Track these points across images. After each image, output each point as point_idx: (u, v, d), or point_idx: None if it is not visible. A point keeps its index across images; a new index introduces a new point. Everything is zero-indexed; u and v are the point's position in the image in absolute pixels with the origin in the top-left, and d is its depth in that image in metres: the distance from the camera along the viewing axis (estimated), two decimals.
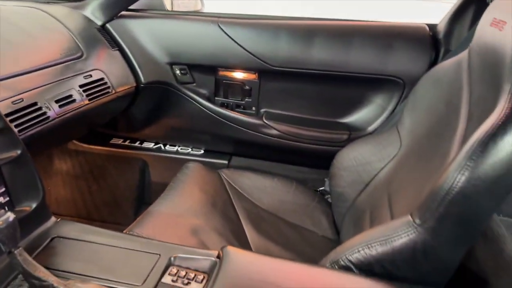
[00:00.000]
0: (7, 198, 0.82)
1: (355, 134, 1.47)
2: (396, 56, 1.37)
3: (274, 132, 1.51)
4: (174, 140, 1.65)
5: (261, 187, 1.47)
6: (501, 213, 1.08)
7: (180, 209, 1.19)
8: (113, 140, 1.65)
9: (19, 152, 0.81)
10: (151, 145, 1.64)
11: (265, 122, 1.52)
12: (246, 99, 1.56)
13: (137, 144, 1.64)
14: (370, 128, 1.47)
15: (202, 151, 1.64)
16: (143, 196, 1.65)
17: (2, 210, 0.68)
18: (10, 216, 0.68)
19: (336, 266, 0.82)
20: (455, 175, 0.67)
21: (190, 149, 1.65)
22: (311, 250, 1.25)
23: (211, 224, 1.18)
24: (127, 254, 0.83)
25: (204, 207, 1.24)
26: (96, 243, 0.85)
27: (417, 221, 0.74)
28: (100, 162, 1.62)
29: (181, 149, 1.65)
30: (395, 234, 0.76)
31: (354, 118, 1.52)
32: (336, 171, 1.34)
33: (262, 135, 1.52)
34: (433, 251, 0.74)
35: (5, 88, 0.94)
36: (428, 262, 0.75)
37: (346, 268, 0.80)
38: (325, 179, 1.51)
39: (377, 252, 0.77)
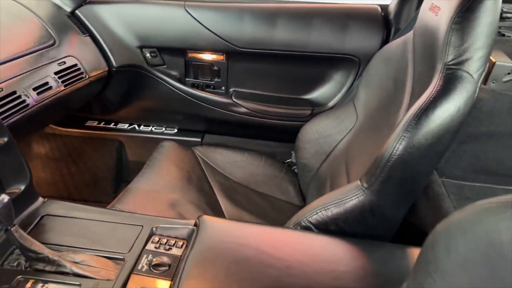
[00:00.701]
0: None
1: (317, 109, 1.57)
2: (351, 36, 1.46)
3: (243, 110, 1.59)
4: (148, 120, 1.71)
5: (233, 162, 1.56)
6: (444, 176, 1.22)
7: (158, 185, 1.27)
8: (88, 122, 1.69)
9: (6, 139, 0.87)
10: (125, 126, 1.70)
11: (234, 101, 1.60)
12: (216, 79, 1.63)
13: (112, 125, 1.69)
14: (331, 103, 1.58)
15: (175, 130, 1.71)
16: (121, 175, 1.71)
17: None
18: (5, 197, 0.74)
19: (298, 227, 0.93)
20: (394, 144, 0.78)
21: (164, 129, 1.71)
22: (279, 216, 1.36)
23: (188, 198, 1.27)
24: (112, 227, 0.91)
25: (180, 182, 1.33)
26: (82, 218, 0.93)
27: (365, 185, 0.85)
28: (77, 144, 1.67)
29: (155, 129, 1.71)
30: (347, 197, 0.87)
31: (316, 94, 1.61)
32: (300, 144, 1.44)
33: (232, 113, 1.60)
34: (378, 210, 0.86)
35: None
36: (375, 219, 0.87)
37: (306, 228, 0.92)
38: (291, 152, 1.61)
39: (332, 213, 0.88)
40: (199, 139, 1.69)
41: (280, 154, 1.66)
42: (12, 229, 0.76)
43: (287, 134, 1.55)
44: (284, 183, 1.54)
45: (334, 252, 0.83)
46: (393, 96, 1.09)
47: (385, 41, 1.45)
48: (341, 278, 0.76)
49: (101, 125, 1.68)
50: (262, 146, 1.67)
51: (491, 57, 1.12)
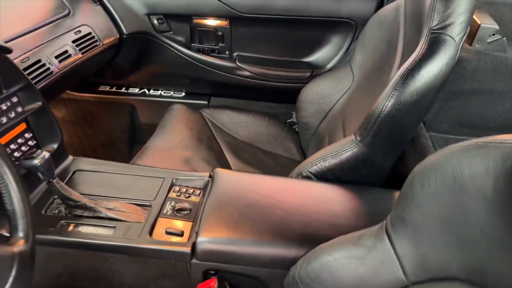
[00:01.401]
0: (35, 142, 0.99)
1: (316, 71, 1.66)
2: (348, 1, 1.52)
3: (247, 73, 1.67)
4: (157, 84, 1.79)
5: (238, 122, 1.66)
6: (431, 130, 1.32)
7: (172, 144, 1.38)
8: (101, 87, 1.77)
9: (40, 103, 0.97)
10: (136, 90, 1.78)
11: (238, 65, 1.67)
12: (220, 44, 1.70)
13: (123, 90, 1.77)
14: (329, 66, 1.66)
15: (183, 94, 1.80)
16: (135, 136, 1.82)
17: (39, 150, 0.85)
18: (46, 153, 0.85)
19: (300, 177, 1.04)
20: (384, 101, 0.88)
21: (172, 92, 1.80)
22: (282, 171, 1.48)
23: (199, 155, 1.38)
24: (137, 179, 1.03)
25: (191, 141, 1.43)
26: (110, 172, 1.04)
27: (358, 138, 0.96)
28: (92, 108, 1.76)
29: (164, 92, 1.80)
30: (342, 149, 0.98)
31: (315, 57, 1.69)
32: (301, 104, 1.54)
33: (236, 77, 1.68)
34: (370, 160, 0.97)
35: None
36: (367, 168, 0.98)
37: (307, 177, 1.03)
38: (292, 112, 1.71)
39: (329, 164, 0.99)
40: (206, 102, 1.78)
41: (282, 114, 1.75)
42: (53, 180, 0.88)
43: (288, 96, 1.64)
44: (286, 141, 1.65)
45: (331, 196, 0.95)
46: (386, 58, 1.18)
47: (380, 5, 1.51)
48: (337, 216, 0.88)
49: (113, 89, 1.76)
50: (265, 107, 1.76)
51: (476, 19, 1.20)
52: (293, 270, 0.77)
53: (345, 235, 0.74)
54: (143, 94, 1.78)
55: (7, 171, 0.61)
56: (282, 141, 1.64)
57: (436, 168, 0.60)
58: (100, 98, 1.74)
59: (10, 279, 0.57)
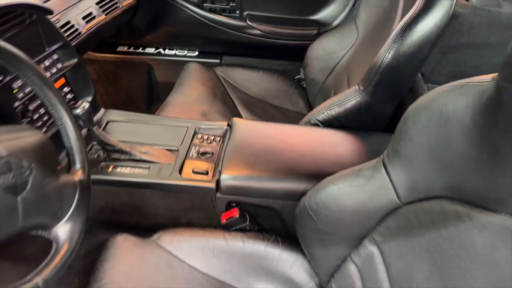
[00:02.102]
0: (72, 95, 1.10)
1: (323, 28, 1.72)
2: None
3: (256, 31, 1.74)
4: (171, 44, 1.87)
5: (250, 79, 1.74)
6: (429, 82, 1.41)
7: (189, 99, 1.48)
8: (119, 48, 1.85)
9: (76, 60, 1.06)
10: (152, 50, 1.86)
11: (248, 24, 1.74)
12: (231, 4, 1.75)
13: (140, 50, 1.86)
14: (335, 23, 1.72)
15: (196, 53, 1.87)
16: (152, 94, 1.92)
17: (80, 101, 0.96)
18: (86, 104, 0.96)
19: (308, 124, 1.15)
20: (385, 53, 0.97)
21: (186, 52, 1.87)
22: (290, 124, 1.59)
23: (215, 109, 1.48)
24: (164, 128, 1.14)
25: (207, 97, 1.53)
26: (139, 123, 1.15)
27: (361, 88, 1.05)
28: (112, 68, 1.85)
29: (178, 52, 1.87)
30: (347, 99, 1.08)
31: (321, 15, 1.74)
32: (308, 61, 1.62)
33: (247, 35, 1.75)
34: (372, 108, 1.07)
35: None
36: (369, 115, 1.08)
37: (315, 125, 1.14)
38: (300, 69, 1.78)
39: (335, 112, 1.10)
40: (218, 60, 1.86)
41: (290, 71, 1.83)
42: (93, 128, 0.99)
43: (296, 53, 1.71)
44: (294, 96, 1.74)
45: (336, 140, 1.06)
46: (388, 14, 1.25)
47: None
48: (341, 156, 1.00)
49: (131, 50, 1.85)
50: (274, 64, 1.84)
51: None
52: (303, 200, 0.89)
53: (347, 169, 0.85)
54: (159, 54, 1.86)
55: (64, 115, 0.72)
56: (290, 96, 1.73)
57: (426, 106, 0.70)
58: (119, 58, 1.83)
59: (75, 202, 0.70)
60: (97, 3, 1.36)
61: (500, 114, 0.57)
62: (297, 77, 1.81)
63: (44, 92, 0.68)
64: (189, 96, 1.50)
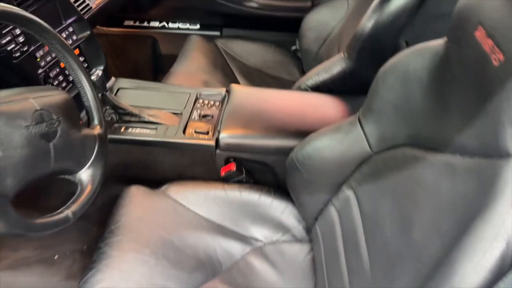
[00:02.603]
0: (86, 64, 1.21)
1: (317, 1, 1.79)
2: None
3: (254, 5, 1.82)
4: (174, 18, 1.95)
5: (248, 51, 1.83)
6: None
7: (192, 69, 1.58)
8: (125, 22, 1.94)
9: (89, 32, 1.17)
10: (156, 24, 1.95)
11: None
12: None
13: (145, 24, 1.95)
14: None
15: (198, 26, 1.96)
16: (157, 65, 2.02)
17: (94, 69, 1.07)
18: (99, 72, 1.06)
19: (299, 90, 1.25)
20: (366, 23, 1.06)
21: (188, 25, 1.96)
22: None
23: (216, 78, 1.58)
24: (169, 94, 1.25)
25: (208, 67, 1.63)
26: (147, 90, 1.26)
27: (346, 55, 1.15)
28: (119, 41, 1.94)
29: (181, 25, 1.96)
30: (333, 65, 1.18)
31: None
32: (303, 32, 1.71)
33: (245, 8, 1.83)
34: (355, 73, 1.16)
35: None
36: (353, 80, 1.18)
37: (305, 90, 1.24)
38: (296, 40, 1.87)
39: (322, 78, 1.20)
40: (219, 33, 1.95)
41: (286, 42, 1.91)
42: (107, 93, 1.10)
43: (292, 25, 1.79)
44: (290, 66, 1.84)
45: (322, 102, 1.17)
46: None
47: None
48: (326, 116, 1.11)
49: (136, 24, 1.94)
50: (271, 36, 1.92)
51: None
52: (291, 154, 1.01)
53: (329, 126, 0.97)
54: (163, 27, 1.95)
55: (83, 78, 0.83)
56: (286, 66, 1.82)
57: (393, 67, 0.80)
58: (125, 32, 1.92)
59: (95, 151, 0.82)
60: None
61: (448, 71, 0.68)
62: (293, 47, 1.90)
63: (66, 59, 0.79)
64: (192, 66, 1.60)
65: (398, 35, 1.14)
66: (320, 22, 1.64)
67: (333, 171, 0.94)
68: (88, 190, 0.78)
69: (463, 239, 0.50)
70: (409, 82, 0.76)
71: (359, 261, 0.80)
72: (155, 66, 2.01)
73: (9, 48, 0.90)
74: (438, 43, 0.71)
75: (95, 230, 1.23)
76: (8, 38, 0.91)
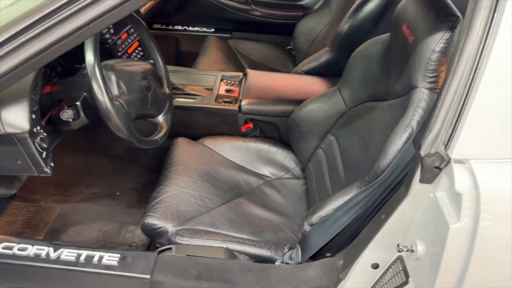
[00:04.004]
0: (142, 53, 1.57)
1: (307, 11, 2.18)
2: None
3: (258, 13, 2.21)
4: (194, 23, 2.32)
5: (253, 48, 2.21)
6: None
7: (212, 61, 1.95)
8: (154, 25, 2.31)
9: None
10: (179, 27, 2.32)
11: (252, 7, 2.21)
12: None
13: (170, 27, 2.32)
14: (316, 6, 2.17)
15: (213, 29, 2.33)
16: (179, 59, 2.38)
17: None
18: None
19: (296, 73, 1.65)
20: (343, 25, 1.46)
21: (205, 28, 2.33)
22: None
23: (230, 68, 1.94)
24: (201, 76, 1.62)
25: (223, 60, 2.00)
26: (186, 72, 1.63)
27: (329, 48, 1.54)
28: None
29: (199, 28, 2.34)
30: (321, 56, 1.57)
31: (305, 1, 2.21)
32: (296, 35, 2.10)
33: (251, 16, 2.22)
34: (336, 61, 1.54)
35: None
36: (334, 66, 1.56)
37: (300, 73, 1.63)
38: (290, 41, 2.25)
39: (313, 65, 1.59)
40: (229, 35, 2.32)
41: (283, 43, 2.30)
42: None
43: (287, 29, 2.18)
44: (285, 61, 2.22)
45: (313, 81, 1.57)
46: (351, 1, 1.73)
47: None
48: (315, 90, 1.49)
49: (163, 26, 2.30)
50: (271, 38, 2.30)
51: None
52: (292, 115, 1.39)
53: (317, 94, 1.36)
54: (184, 30, 2.32)
55: (158, 56, 1.21)
56: (283, 62, 2.21)
57: (361, 50, 1.20)
58: (154, 33, 2.27)
59: (168, 104, 1.19)
60: None
61: (390, 51, 1.08)
62: (288, 47, 2.29)
63: (148, 42, 1.16)
64: (212, 59, 1.98)
65: (368, 34, 1.54)
66: (309, 27, 2.04)
67: (320, 123, 1.32)
68: (164, 127, 1.16)
69: (388, 139, 0.89)
70: (369, 61, 1.16)
71: (338, 176, 1.18)
72: (178, 60, 2.38)
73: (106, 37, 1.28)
74: (386, 36, 1.11)
75: (146, 174, 1.59)
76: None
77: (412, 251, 0.75)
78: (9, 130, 0.77)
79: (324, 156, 1.32)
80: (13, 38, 0.69)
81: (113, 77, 0.96)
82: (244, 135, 1.48)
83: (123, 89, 0.96)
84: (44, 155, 0.85)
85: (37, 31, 0.69)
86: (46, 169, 0.85)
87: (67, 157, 1.51)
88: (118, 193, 1.54)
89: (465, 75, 0.63)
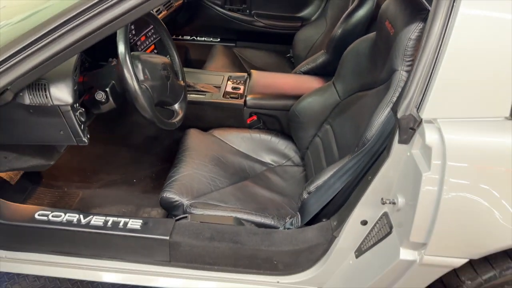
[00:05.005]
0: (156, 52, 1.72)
1: (305, 22, 2.35)
2: None
3: (261, 24, 2.38)
4: (201, 33, 2.48)
5: (256, 56, 2.37)
6: None
7: (219, 66, 2.10)
8: None
9: (159, 36, 1.69)
10: (188, 37, 2.49)
11: (255, 19, 2.38)
12: (243, 5, 2.39)
13: (180, 37, 2.48)
14: (313, 18, 2.34)
15: (219, 39, 2.50)
16: (189, 67, 2.52)
17: None
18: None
19: (295, 74, 1.79)
20: (337, 30, 1.61)
21: (211, 38, 2.50)
22: None
23: (233, 70, 2.11)
24: (210, 76, 1.77)
25: (229, 65, 2.16)
26: (196, 73, 1.78)
27: (325, 51, 1.69)
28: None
29: (206, 38, 2.50)
30: (317, 58, 1.72)
31: (304, 13, 2.37)
32: (295, 43, 2.26)
33: (254, 26, 2.39)
34: (331, 62, 1.69)
35: None
36: (329, 66, 1.71)
37: (299, 73, 1.78)
38: (290, 49, 2.41)
39: (311, 66, 1.74)
40: (234, 44, 2.49)
41: (283, 51, 2.45)
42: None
43: (287, 39, 2.34)
44: (285, 67, 2.37)
45: (311, 80, 1.71)
46: (343, 11, 1.89)
47: None
48: (313, 86, 1.63)
49: (173, 37, 2.47)
50: (272, 46, 2.46)
51: None
52: (292, 108, 1.52)
53: (316, 88, 1.50)
54: (193, 40, 2.49)
55: (174, 52, 1.35)
56: (282, 68, 2.36)
57: (352, 48, 1.35)
58: None
59: (183, 93, 1.33)
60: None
61: (376, 46, 1.22)
62: (288, 55, 2.44)
63: (167, 40, 1.31)
64: (218, 64, 2.13)
65: (358, 38, 1.69)
66: (307, 36, 2.20)
67: (317, 114, 1.46)
68: (180, 113, 1.29)
69: (373, 114, 1.02)
70: (359, 56, 1.30)
71: (333, 157, 1.31)
72: (187, 66, 2.53)
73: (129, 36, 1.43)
74: (373, 34, 1.25)
75: (160, 164, 1.71)
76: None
77: (394, 203, 0.87)
78: (56, 102, 0.91)
79: (321, 143, 1.45)
80: (60, 27, 0.83)
81: (139, 65, 1.10)
82: (249, 127, 1.62)
83: (147, 75, 1.10)
84: (82, 127, 0.98)
85: (78, 22, 0.83)
86: (84, 139, 0.98)
87: (88, 147, 1.62)
88: (134, 180, 1.66)
89: (431, 51, 0.76)
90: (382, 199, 0.88)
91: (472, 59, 0.75)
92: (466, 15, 0.74)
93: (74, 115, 0.95)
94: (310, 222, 1.12)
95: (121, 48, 1.04)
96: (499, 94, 0.77)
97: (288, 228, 1.14)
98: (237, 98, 1.63)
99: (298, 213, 1.14)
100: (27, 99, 0.92)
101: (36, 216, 1.11)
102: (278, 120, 1.64)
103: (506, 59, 0.75)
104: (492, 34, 0.75)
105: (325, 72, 1.74)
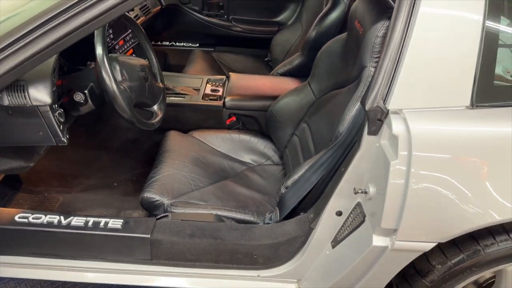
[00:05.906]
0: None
1: (281, 27, 2.40)
2: None
3: (238, 29, 2.41)
4: (180, 38, 2.50)
5: (234, 60, 2.39)
6: None
7: (198, 70, 2.12)
8: None
9: (138, 41, 1.70)
10: (167, 43, 2.50)
11: (233, 23, 2.41)
12: (221, 11, 2.42)
13: (159, 43, 2.49)
14: (289, 23, 2.39)
15: (197, 44, 2.52)
16: (168, 70, 2.54)
17: None
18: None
19: (273, 75, 1.83)
20: (311, 32, 1.66)
21: (190, 43, 2.52)
22: None
23: (213, 74, 2.13)
24: (190, 79, 1.79)
25: (208, 69, 2.18)
26: (176, 76, 1.80)
27: (300, 52, 1.74)
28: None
29: (185, 43, 2.52)
30: (293, 60, 1.76)
31: (280, 18, 2.42)
32: (272, 47, 2.30)
33: (232, 31, 2.42)
34: (306, 64, 1.74)
35: None
36: (305, 69, 1.76)
37: (277, 75, 1.82)
38: (268, 53, 2.46)
39: (287, 68, 1.78)
40: (213, 49, 2.51)
41: (261, 55, 2.50)
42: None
43: (264, 43, 2.38)
44: (264, 71, 2.40)
45: (287, 81, 1.75)
46: (317, 14, 1.94)
47: None
48: (289, 87, 1.67)
49: (152, 42, 2.47)
50: (250, 51, 2.50)
51: None
52: (270, 108, 1.55)
53: (293, 88, 1.54)
54: (172, 45, 2.50)
55: (152, 55, 1.37)
56: (261, 71, 2.39)
57: (325, 48, 1.39)
58: None
59: (162, 95, 1.34)
60: (140, 8, 1.99)
61: (347, 45, 1.27)
62: (266, 59, 2.49)
63: (145, 43, 1.33)
64: (197, 68, 2.15)
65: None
66: (284, 40, 2.25)
67: (294, 114, 1.49)
68: (159, 114, 1.31)
69: (344, 109, 1.06)
70: (332, 56, 1.35)
71: (309, 154, 1.35)
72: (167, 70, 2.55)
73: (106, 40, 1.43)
74: (344, 34, 1.30)
75: (140, 167, 1.71)
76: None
77: (365, 192, 0.91)
78: (35, 103, 0.91)
79: (299, 142, 1.49)
80: (38, 28, 0.84)
81: (117, 66, 1.11)
82: (228, 128, 1.64)
83: (126, 76, 1.11)
84: (61, 128, 0.98)
85: (56, 23, 0.84)
86: (63, 139, 0.99)
87: (68, 151, 1.61)
88: (115, 183, 1.65)
89: (396, 46, 0.81)
90: (354, 189, 0.92)
91: (433, 53, 0.80)
92: (426, 13, 0.79)
93: (53, 116, 0.95)
94: (289, 216, 1.15)
95: (99, 49, 1.05)
96: (459, 85, 0.82)
97: (267, 223, 1.16)
98: (216, 100, 1.65)
99: (276, 207, 1.17)
100: (6, 100, 0.92)
101: (17, 218, 1.10)
102: (256, 120, 1.67)
103: (463, 52, 0.80)
104: (449, 30, 0.80)
105: (301, 73, 1.79)
